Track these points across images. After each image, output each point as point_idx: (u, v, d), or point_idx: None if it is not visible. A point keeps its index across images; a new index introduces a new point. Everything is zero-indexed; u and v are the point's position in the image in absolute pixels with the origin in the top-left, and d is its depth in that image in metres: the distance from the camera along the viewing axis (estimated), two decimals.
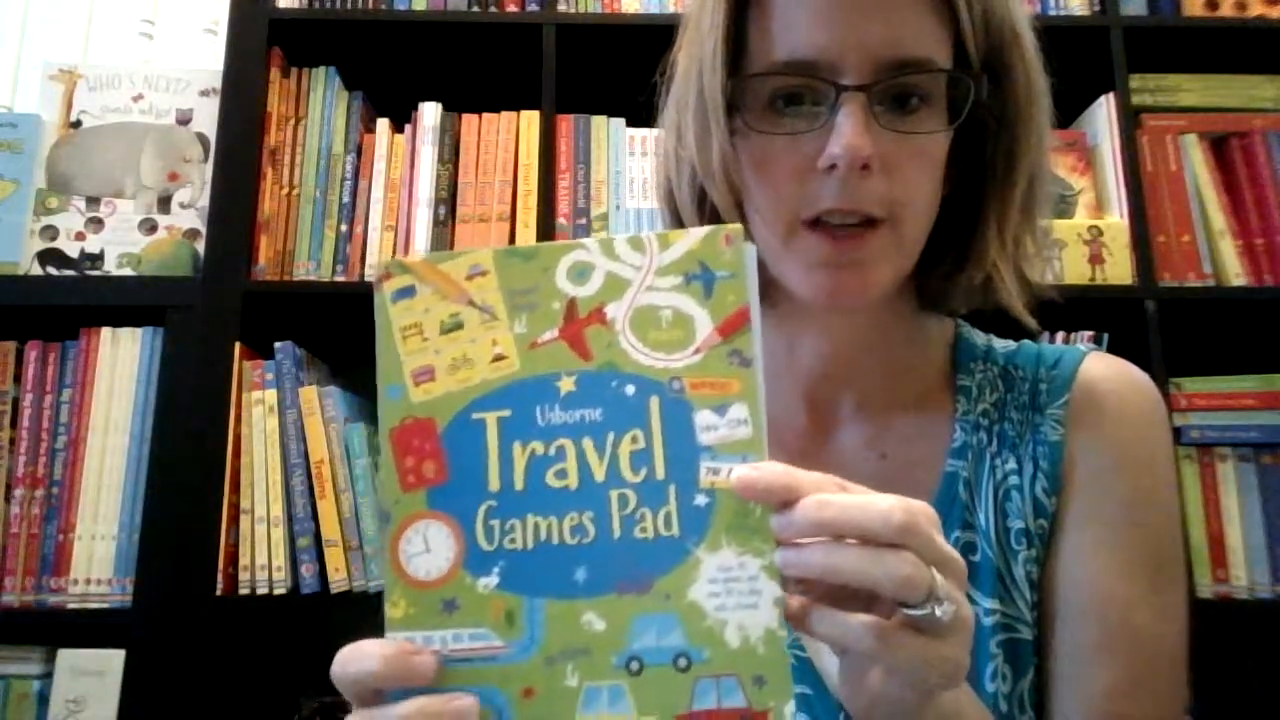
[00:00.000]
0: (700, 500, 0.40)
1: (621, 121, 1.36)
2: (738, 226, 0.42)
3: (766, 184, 0.56)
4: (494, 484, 0.41)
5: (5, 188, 1.31)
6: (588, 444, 0.41)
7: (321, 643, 1.60)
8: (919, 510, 0.39)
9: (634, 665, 0.39)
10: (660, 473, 0.40)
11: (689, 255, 0.41)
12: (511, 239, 1.30)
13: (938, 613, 0.37)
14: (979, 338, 0.67)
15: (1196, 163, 1.34)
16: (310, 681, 1.39)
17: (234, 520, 1.18)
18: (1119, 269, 1.28)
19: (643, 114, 1.35)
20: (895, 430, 0.62)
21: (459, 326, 0.42)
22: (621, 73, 1.42)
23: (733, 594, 0.39)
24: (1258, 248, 1.31)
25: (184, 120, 1.36)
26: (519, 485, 0.41)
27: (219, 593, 1.15)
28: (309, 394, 1.21)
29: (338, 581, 1.17)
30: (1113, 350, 1.24)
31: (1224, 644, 1.33)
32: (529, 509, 0.41)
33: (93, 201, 1.33)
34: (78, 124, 1.35)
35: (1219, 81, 1.38)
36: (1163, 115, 1.36)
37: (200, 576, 1.14)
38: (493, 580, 0.41)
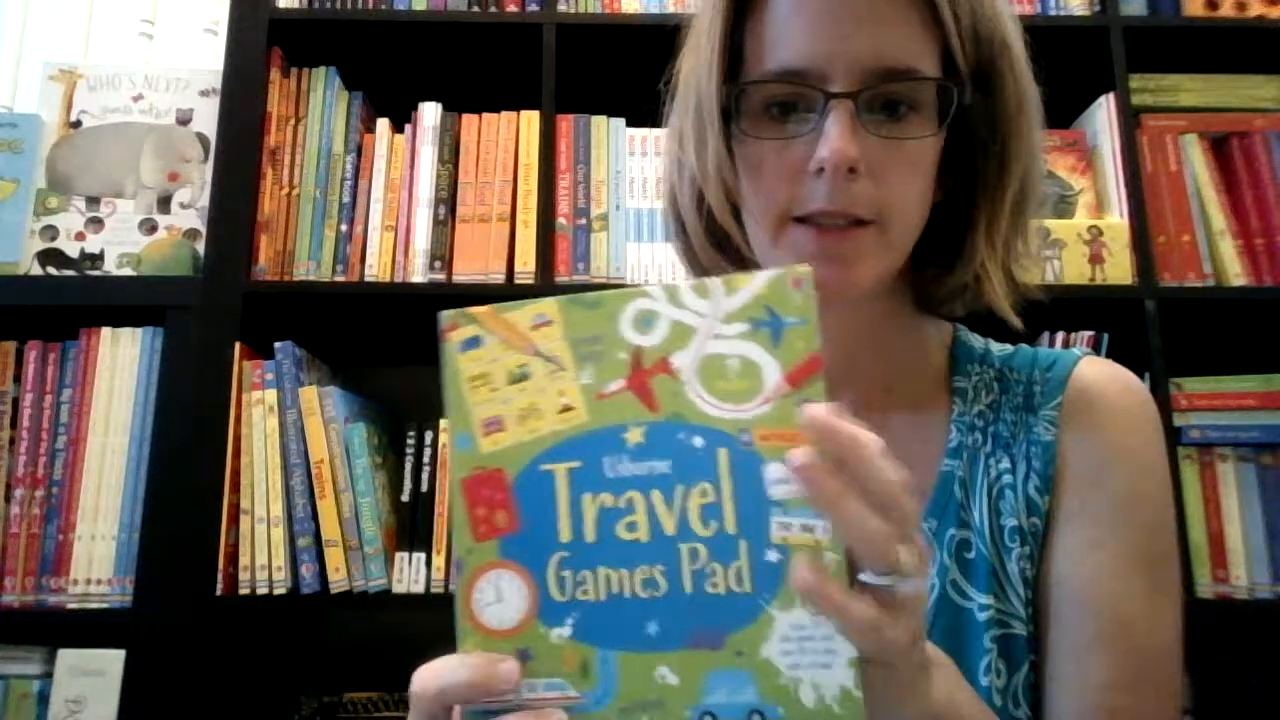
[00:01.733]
0: (772, 556, 0.39)
1: (621, 121, 1.36)
2: (806, 269, 0.41)
3: (759, 186, 0.59)
4: (565, 535, 0.41)
5: (5, 188, 1.31)
6: (657, 496, 0.41)
7: (321, 643, 1.61)
8: (912, 495, 0.40)
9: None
10: (731, 527, 0.40)
11: (756, 300, 0.41)
12: (511, 239, 1.30)
13: (901, 586, 0.38)
14: (976, 341, 0.69)
15: (1196, 163, 1.34)
16: (310, 681, 1.39)
17: (234, 520, 1.18)
18: (1119, 269, 1.28)
19: (643, 114, 1.36)
20: (892, 430, 0.62)
21: (526, 377, 0.42)
22: (621, 73, 1.42)
23: (807, 653, 0.39)
24: (1258, 248, 1.31)
25: (184, 120, 1.37)
26: (590, 537, 0.41)
27: (219, 593, 1.15)
28: (309, 394, 1.21)
29: (337, 581, 1.17)
30: (1113, 350, 1.24)
31: (1224, 644, 1.32)
32: (600, 561, 0.41)
33: (93, 201, 1.33)
34: (78, 124, 1.35)
35: (1219, 81, 1.38)
36: (1163, 115, 1.36)
37: (200, 576, 1.14)
38: (566, 630, 0.41)
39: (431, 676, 0.40)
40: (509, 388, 0.42)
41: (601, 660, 0.40)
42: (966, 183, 0.61)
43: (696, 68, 0.61)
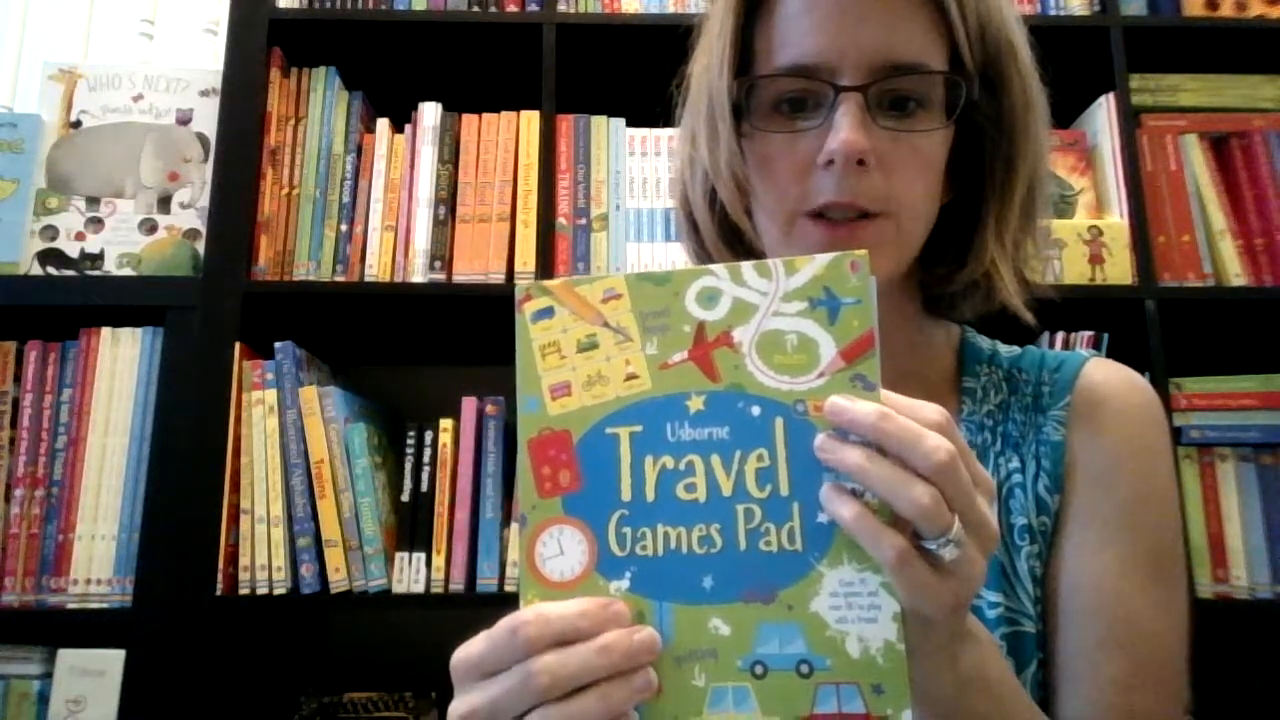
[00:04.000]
0: (823, 518, 0.42)
1: (621, 121, 1.36)
2: (863, 253, 0.43)
3: (770, 181, 0.59)
4: (626, 494, 0.44)
5: (5, 188, 1.31)
6: (715, 460, 0.43)
7: (321, 643, 1.61)
8: (974, 470, 0.41)
9: (758, 669, 0.42)
10: (785, 490, 0.42)
11: (814, 281, 0.43)
12: (511, 239, 1.30)
13: (945, 552, 0.39)
14: (984, 343, 0.69)
15: (1196, 163, 1.34)
16: (310, 681, 1.39)
17: (234, 520, 1.18)
18: (1119, 269, 1.28)
19: (643, 114, 1.36)
20: None
21: (594, 346, 0.45)
22: (621, 73, 1.42)
23: (853, 607, 0.41)
24: (1258, 248, 1.31)
25: (184, 120, 1.37)
26: (650, 496, 0.43)
27: (219, 593, 1.15)
28: (309, 394, 1.21)
29: (337, 581, 1.17)
30: (1113, 350, 1.24)
31: (1224, 644, 1.33)
32: (659, 519, 0.43)
33: (93, 201, 1.33)
34: (78, 124, 1.35)
35: (1219, 81, 1.38)
36: (1163, 115, 1.36)
37: (200, 576, 1.14)
38: (624, 583, 0.43)
39: (558, 665, 0.40)
40: (577, 355, 0.45)
41: (658, 612, 0.43)
42: (975, 183, 0.62)
43: (709, 66, 0.62)
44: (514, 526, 1.21)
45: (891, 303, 0.63)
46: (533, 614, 0.41)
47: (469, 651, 0.42)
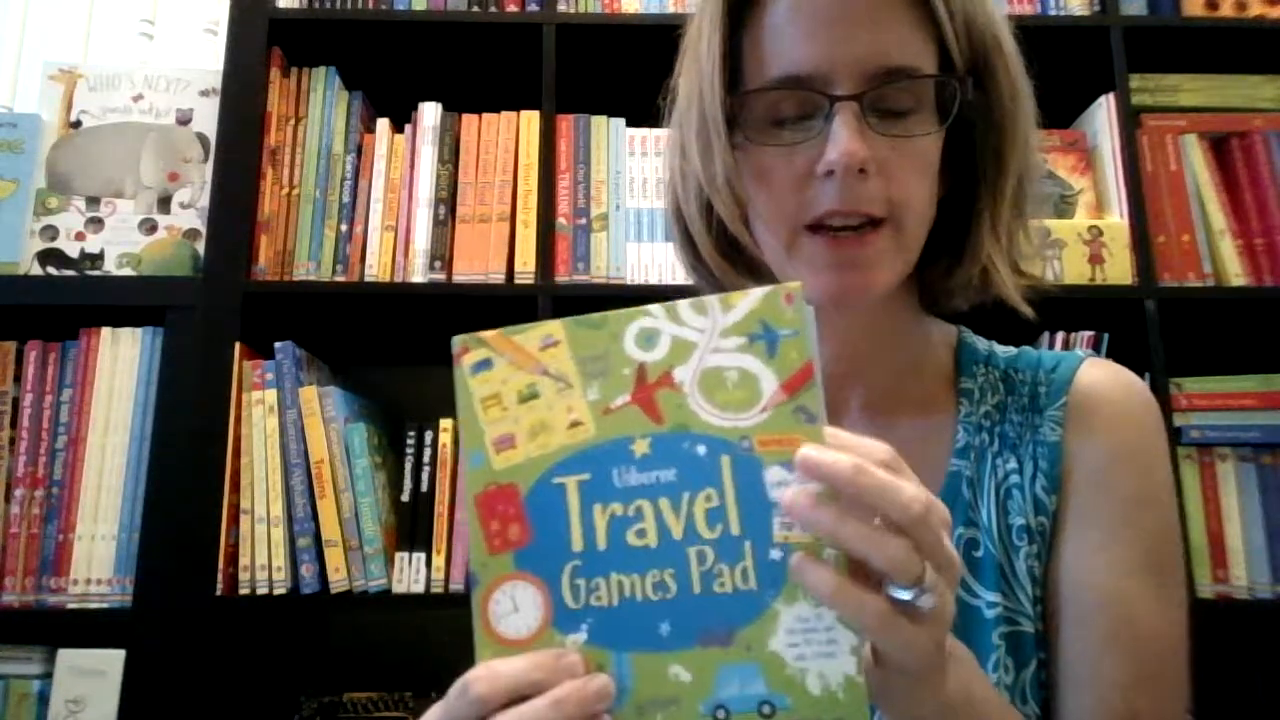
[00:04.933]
0: (775, 555, 0.41)
1: (621, 121, 1.36)
2: (797, 285, 0.43)
3: (768, 194, 0.59)
4: (577, 545, 0.43)
5: (5, 188, 1.31)
6: (664, 503, 0.43)
7: (321, 643, 1.61)
8: (937, 509, 0.40)
9: (720, 713, 0.41)
10: (735, 529, 0.42)
11: (751, 316, 0.43)
12: (511, 239, 1.30)
13: (919, 601, 0.39)
14: (980, 343, 0.69)
15: (1196, 163, 1.34)
16: (310, 681, 1.39)
17: (234, 520, 1.18)
18: (1119, 269, 1.28)
19: (643, 114, 1.36)
20: (900, 431, 0.64)
21: (535, 395, 0.44)
22: (621, 73, 1.42)
23: (811, 643, 0.41)
24: (1258, 248, 1.31)
25: (184, 120, 1.37)
26: (601, 545, 0.43)
27: (219, 593, 1.15)
28: (309, 394, 1.21)
29: (337, 582, 1.17)
30: (1113, 350, 1.24)
31: (1224, 644, 1.33)
32: (612, 568, 0.43)
33: (93, 201, 1.33)
34: (78, 124, 1.35)
35: (1219, 81, 1.38)
36: (1163, 115, 1.36)
37: (200, 576, 1.14)
38: (581, 636, 0.43)
39: (497, 676, 0.41)
40: (519, 406, 0.45)
41: (617, 662, 0.42)
42: (966, 178, 0.62)
43: (698, 80, 0.61)
44: None
45: (888, 304, 0.63)
46: (483, 670, 0.41)
47: (425, 718, 0.43)
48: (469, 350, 0.46)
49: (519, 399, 0.45)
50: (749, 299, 0.43)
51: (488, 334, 0.46)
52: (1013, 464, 0.62)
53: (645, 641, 0.42)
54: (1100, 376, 0.64)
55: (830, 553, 0.41)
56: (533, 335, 0.45)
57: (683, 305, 0.44)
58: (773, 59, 0.58)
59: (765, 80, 0.58)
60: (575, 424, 0.44)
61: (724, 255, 0.65)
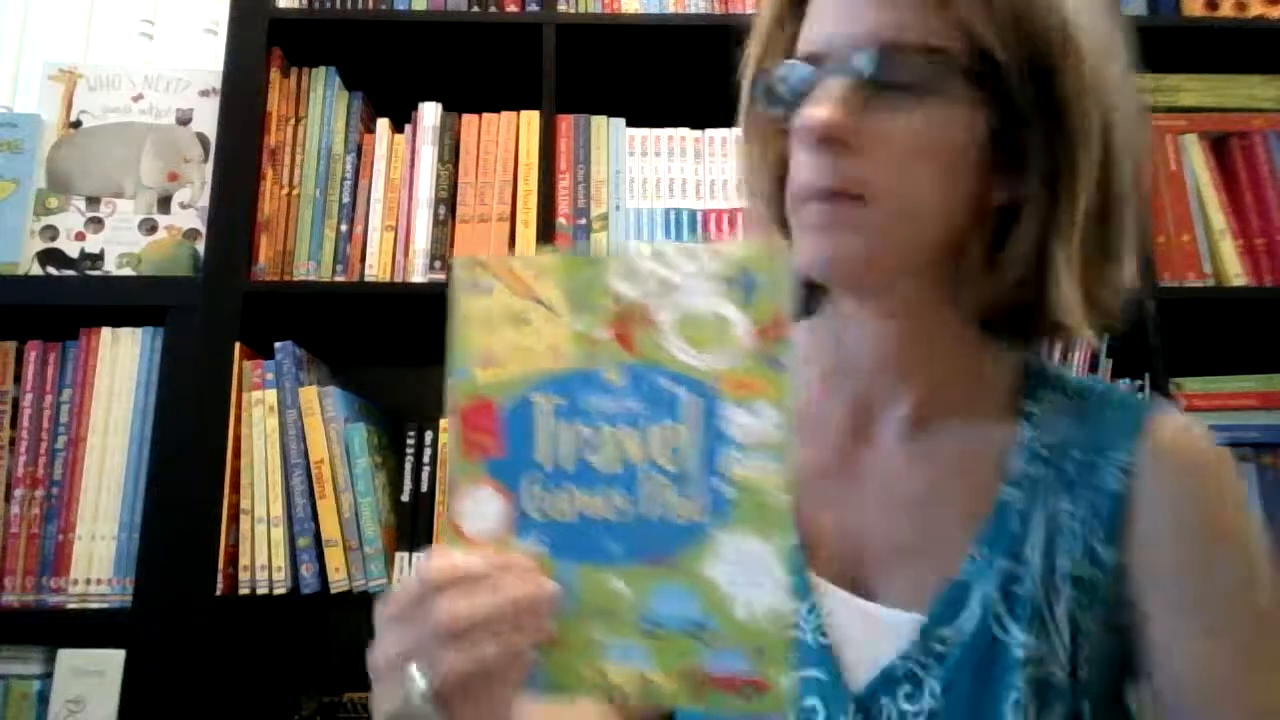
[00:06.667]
0: (725, 489, 0.44)
1: (621, 121, 1.36)
2: (783, 243, 0.45)
3: (779, 169, 0.59)
4: (544, 461, 0.47)
5: (5, 188, 1.31)
6: (628, 431, 0.46)
7: (321, 643, 1.61)
8: (395, 599, 0.45)
9: (654, 628, 0.45)
10: (691, 462, 0.45)
11: (733, 263, 0.45)
12: (511, 239, 1.30)
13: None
14: (1050, 367, 0.65)
15: (1196, 163, 1.34)
16: (310, 681, 1.39)
17: (234, 520, 1.18)
18: None
19: (643, 114, 1.36)
20: (948, 449, 0.61)
21: (526, 321, 0.48)
22: (621, 73, 1.43)
23: (745, 575, 0.44)
24: (1258, 248, 1.31)
25: (184, 120, 1.37)
26: (565, 464, 0.46)
27: (219, 593, 1.15)
28: (309, 394, 1.21)
29: (338, 582, 1.17)
30: (1113, 350, 1.24)
31: None
32: (574, 485, 0.46)
33: (93, 201, 1.33)
34: (78, 124, 1.35)
35: (1219, 81, 1.38)
36: (1163, 115, 1.36)
37: (200, 576, 1.14)
38: (536, 544, 0.46)
39: (457, 605, 0.43)
40: (508, 328, 0.48)
41: (566, 571, 0.46)
42: (1044, 190, 0.56)
43: (744, 64, 0.63)
44: None
45: (925, 309, 0.59)
46: (439, 554, 0.44)
47: (386, 600, 0.45)
48: (471, 272, 0.49)
49: (508, 321, 0.48)
50: (734, 249, 0.45)
51: (489, 258, 0.49)
52: (1067, 504, 0.58)
53: (593, 555, 0.46)
54: (1180, 439, 0.58)
55: (780, 496, 0.44)
56: (528, 264, 0.48)
57: (670, 248, 0.46)
58: (801, 41, 0.58)
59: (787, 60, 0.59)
60: (557, 350, 0.47)
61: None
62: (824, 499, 0.61)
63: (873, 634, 0.57)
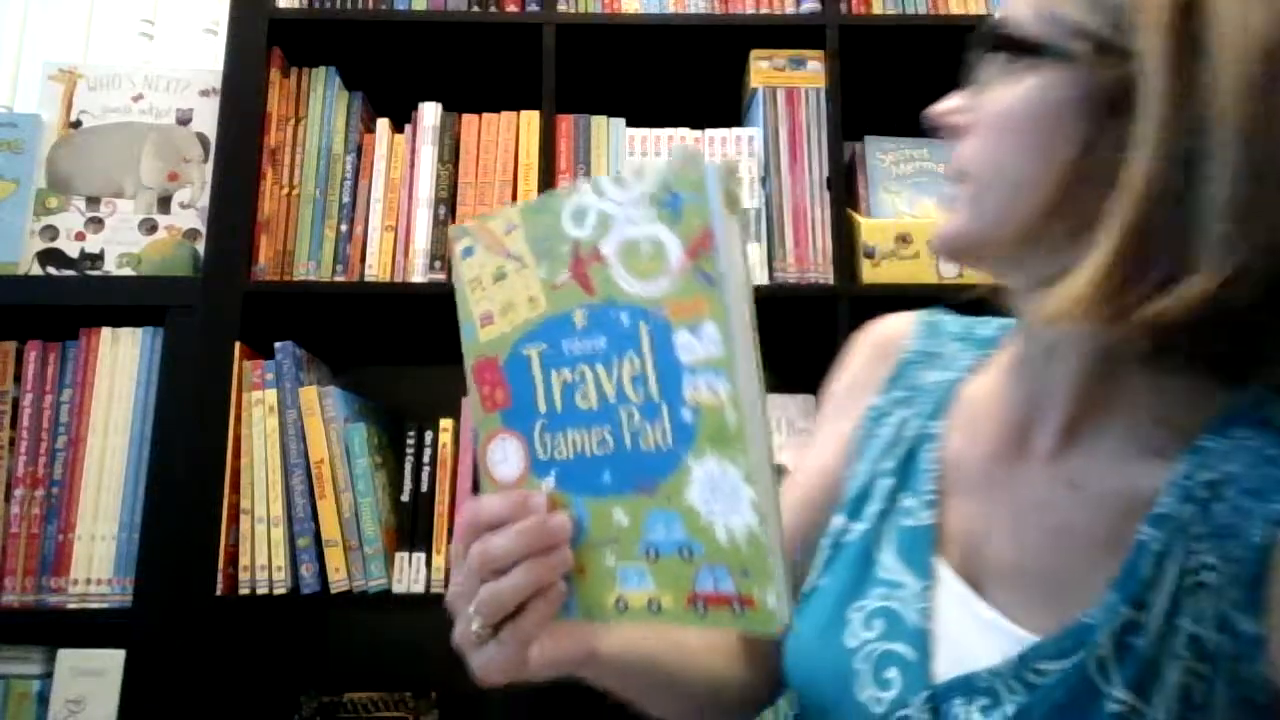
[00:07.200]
0: (686, 415, 0.45)
1: (621, 121, 1.36)
2: (696, 149, 0.45)
3: None
4: (542, 406, 0.50)
5: (5, 188, 1.31)
6: (600, 369, 0.48)
7: (321, 643, 1.61)
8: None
9: (652, 553, 0.47)
10: (654, 391, 0.46)
11: (659, 183, 0.45)
12: None
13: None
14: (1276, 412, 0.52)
15: None
16: (310, 681, 1.39)
17: (234, 520, 1.18)
18: None
19: (643, 114, 1.36)
20: (1096, 473, 0.55)
21: (504, 276, 0.51)
22: (621, 73, 1.43)
23: (718, 498, 0.45)
24: None
25: (184, 120, 1.37)
26: (558, 406, 0.50)
27: (219, 593, 1.15)
28: (309, 394, 1.21)
29: (337, 582, 1.17)
30: None
31: None
32: (567, 425, 0.49)
33: (93, 201, 1.33)
34: (78, 124, 1.35)
35: None
36: None
37: (200, 576, 1.14)
38: (550, 482, 0.50)
39: (485, 546, 0.49)
40: (493, 286, 0.51)
41: (576, 504, 0.49)
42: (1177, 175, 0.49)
43: None
44: None
45: (1096, 343, 0.54)
46: (470, 503, 0.49)
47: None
48: (458, 239, 0.52)
49: (493, 279, 0.51)
50: (657, 167, 0.45)
51: (470, 223, 0.52)
52: (1210, 559, 0.48)
53: (593, 488, 0.49)
54: None
55: (731, 414, 0.44)
56: (499, 222, 0.51)
57: (605, 179, 0.47)
58: None
59: None
60: (532, 300, 0.50)
61: None
62: (970, 488, 0.60)
63: (974, 635, 0.54)
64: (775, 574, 0.43)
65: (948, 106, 0.57)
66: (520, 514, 0.49)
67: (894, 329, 0.72)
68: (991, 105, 0.55)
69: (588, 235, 0.47)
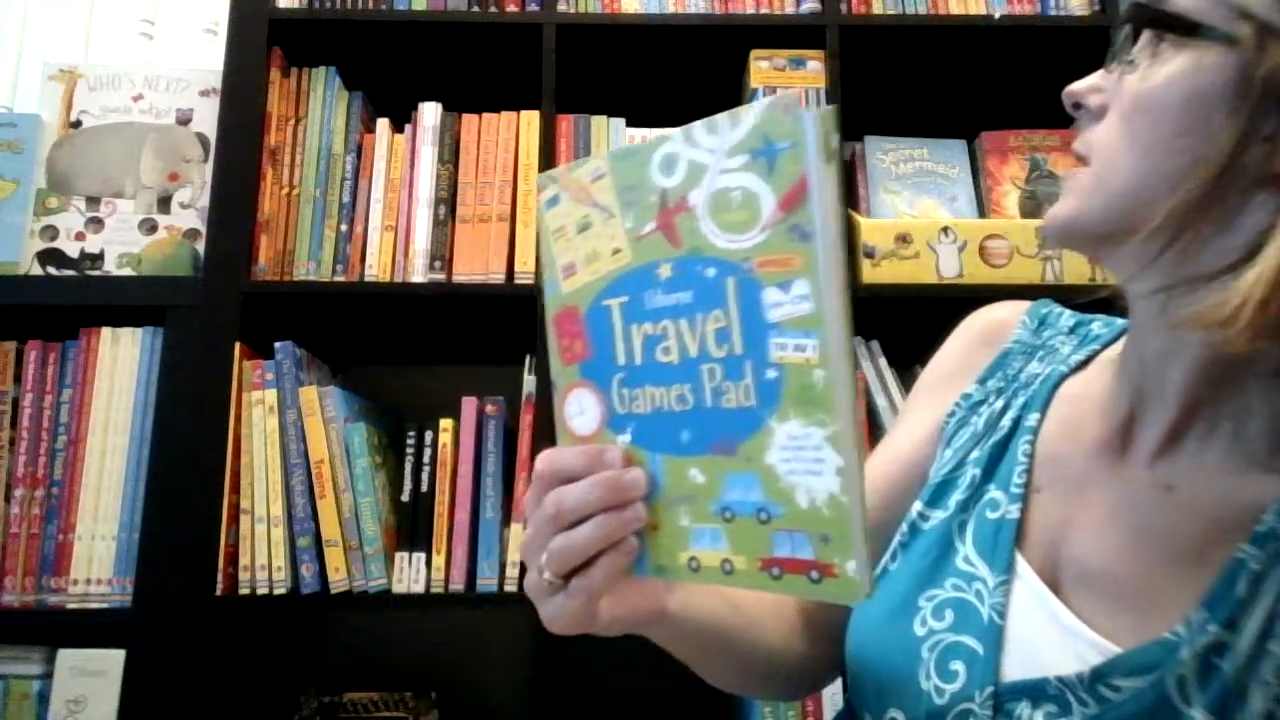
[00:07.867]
0: (771, 374, 0.44)
1: (621, 121, 1.36)
2: (793, 95, 0.43)
3: None
4: (621, 359, 0.50)
5: (5, 188, 1.31)
6: (683, 324, 0.47)
7: (321, 643, 1.61)
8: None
9: (727, 514, 0.46)
10: (739, 348, 0.45)
11: (753, 131, 0.43)
12: (511, 239, 1.30)
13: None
14: None
15: None
16: (310, 681, 1.39)
17: (234, 520, 1.18)
18: None
19: (643, 114, 1.36)
20: (1200, 475, 0.53)
21: (589, 226, 0.50)
22: (621, 73, 1.43)
23: (801, 460, 0.43)
24: None
25: (184, 120, 1.37)
26: (638, 360, 0.49)
27: (219, 593, 1.15)
28: (309, 394, 1.21)
29: (337, 582, 1.17)
30: None
31: None
32: (646, 380, 0.49)
33: (93, 201, 1.33)
34: (78, 124, 1.35)
35: None
36: None
37: (200, 576, 1.15)
38: (627, 437, 0.50)
39: (560, 497, 0.49)
40: (578, 236, 0.50)
41: (652, 461, 0.49)
42: None
43: None
44: (514, 527, 1.21)
45: (1218, 350, 0.51)
46: (546, 453, 0.50)
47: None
48: (544, 188, 0.52)
49: (577, 230, 0.50)
50: (752, 112, 0.43)
51: (555, 171, 0.51)
52: None
53: (671, 446, 0.48)
54: None
55: (819, 374, 0.42)
56: (586, 170, 0.49)
57: (697, 126, 0.45)
58: None
59: None
60: (617, 251, 0.48)
61: None
62: (1062, 486, 0.57)
63: (1049, 637, 0.52)
64: (857, 541, 0.41)
65: (1086, 84, 0.54)
66: (596, 467, 0.49)
67: (1001, 317, 0.69)
68: (1133, 86, 0.51)
69: (676, 184, 0.46)
